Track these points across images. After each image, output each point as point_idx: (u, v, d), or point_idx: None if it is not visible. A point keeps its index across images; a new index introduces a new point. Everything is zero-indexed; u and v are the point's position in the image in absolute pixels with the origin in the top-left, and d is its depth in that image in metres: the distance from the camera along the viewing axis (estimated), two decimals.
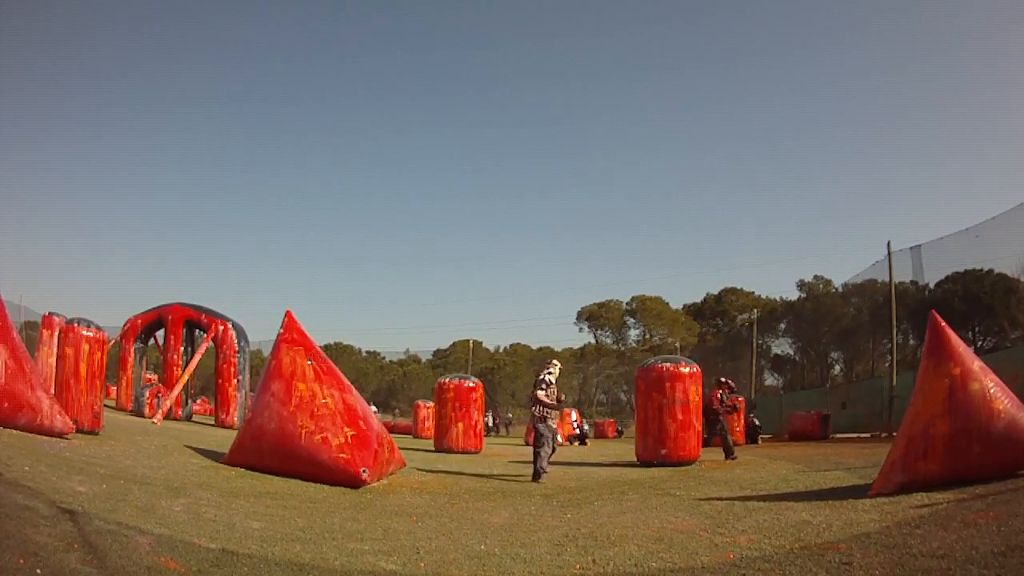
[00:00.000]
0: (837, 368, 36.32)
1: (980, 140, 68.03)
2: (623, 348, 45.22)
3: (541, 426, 7.36)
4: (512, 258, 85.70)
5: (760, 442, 16.04)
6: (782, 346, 40.27)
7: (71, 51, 78.76)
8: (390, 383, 51.25)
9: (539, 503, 5.41)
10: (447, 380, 13.02)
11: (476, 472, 8.16)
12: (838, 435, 16.35)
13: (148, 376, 16.79)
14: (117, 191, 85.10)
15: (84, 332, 7.46)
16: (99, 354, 7.54)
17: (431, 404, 16.59)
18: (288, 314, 6.42)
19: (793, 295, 39.02)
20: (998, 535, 3.14)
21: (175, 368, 14.57)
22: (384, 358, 55.83)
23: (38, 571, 2.33)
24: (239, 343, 14.56)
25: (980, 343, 25.52)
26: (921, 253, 17.69)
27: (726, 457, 9.30)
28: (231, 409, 14.04)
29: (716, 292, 45.68)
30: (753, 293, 43.79)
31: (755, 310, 36.06)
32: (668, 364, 9.33)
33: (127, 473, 4.89)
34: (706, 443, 9.72)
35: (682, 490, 5.98)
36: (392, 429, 17.87)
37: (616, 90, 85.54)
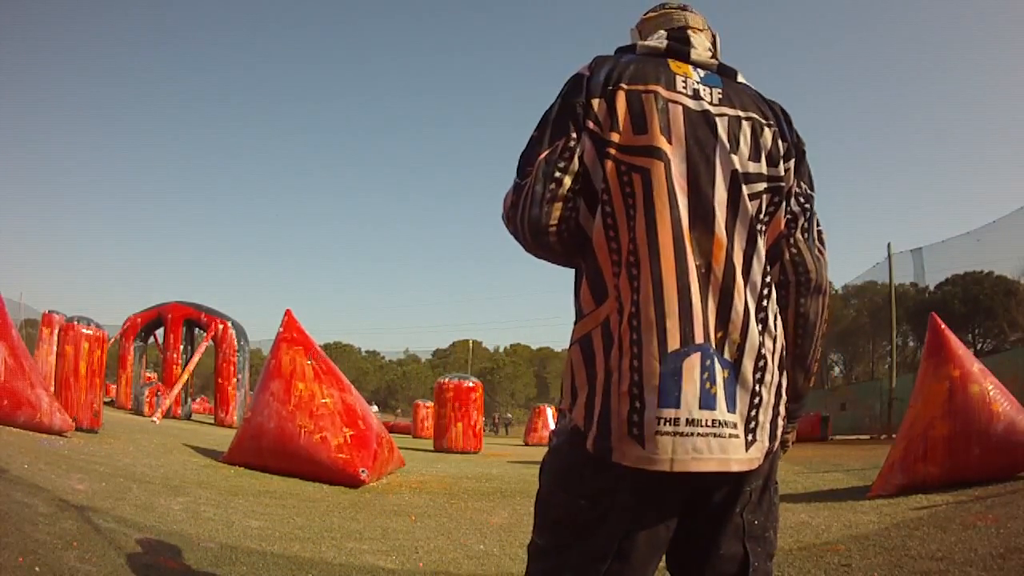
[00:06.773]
0: (837, 370, 36.33)
1: (982, 143, 68.13)
2: None
3: None
4: (513, 258, 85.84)
5: None
6: None
7: (71, 49, 78.85)
8: (390, 383, 51.32)
9: None
10: (447, 380, 13.01)
11: (475, 472, 8.15)
12: (837, 437, 16.33)
13: (148, 375, 16.78)
14: (118, 190, 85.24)
15: (84, 330, 7.45)
16: (99, 352, 7.54)
17: (431, 404, 16.58)
18: (288, 313, 6.42)
19: None
20: (997, 537, 3.15)
21: (175, 367, 14.57)
22: (384, 358, 55.94)
23: (37, 569, 2.32)
24: (239, 342, 14.56)
25: (980, 345, 25.53)
26: (922, 255, 17.69)
27: None
28: (230, 408, 14.04)
29: None
30: None
31: None
32: None
33: (126, 471, 4.90)
34: None
35: None
36: (392, 429, 17.82)
37: None
